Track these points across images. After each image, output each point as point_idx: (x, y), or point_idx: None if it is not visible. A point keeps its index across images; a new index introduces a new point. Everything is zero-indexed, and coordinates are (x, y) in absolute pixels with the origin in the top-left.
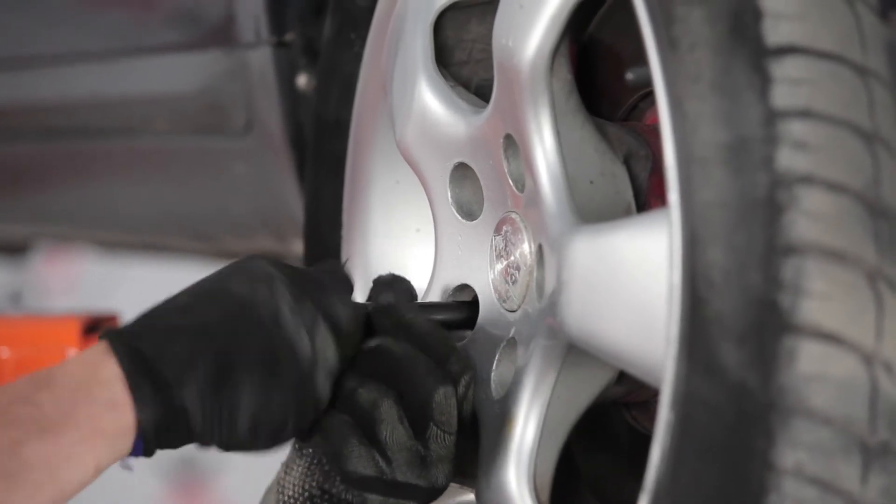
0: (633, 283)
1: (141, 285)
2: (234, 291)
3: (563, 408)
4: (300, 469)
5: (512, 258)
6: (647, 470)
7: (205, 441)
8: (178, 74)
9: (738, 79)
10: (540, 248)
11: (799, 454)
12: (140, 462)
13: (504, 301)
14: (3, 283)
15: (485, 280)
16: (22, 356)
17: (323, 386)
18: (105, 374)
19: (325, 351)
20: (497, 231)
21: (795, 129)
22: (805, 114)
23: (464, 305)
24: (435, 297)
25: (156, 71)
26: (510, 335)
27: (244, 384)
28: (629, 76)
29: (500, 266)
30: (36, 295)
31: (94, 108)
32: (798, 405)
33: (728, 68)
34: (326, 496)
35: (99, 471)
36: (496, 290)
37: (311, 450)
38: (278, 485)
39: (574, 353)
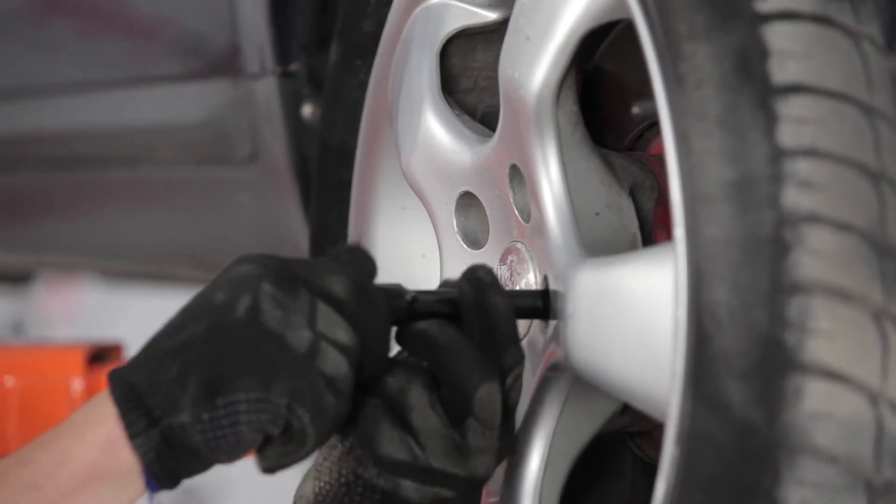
0: (638, 318)
1: (144, 315)
2: (215, 301)
3: (568, 438)
4: (336, 454)
5: (517, 288)
6: None
7: (219, 460)
8: (182, 104)
9: (744, 116)
10: (545, 279)
11: (804, 492)
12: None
13: None
14: (5, 313)
15: None
16: (27, 385)
17: (336, 364)
18: (100, 413)
19: (331, 330)
20: (502, 260)
21: (801, 167)
22: (811, 152)
23: (538, 294)
24: None
25: (160, 101)
26: None
27: (237, 388)
28: (635, 110)
29: None
30: (38, 324)
31: (98, 137)
32: (803, 443)
33: (734, 106)
34: (360, 482)
35: None
36: None
37: (345, 434)
38: (316, 470)
39: (579, 383)
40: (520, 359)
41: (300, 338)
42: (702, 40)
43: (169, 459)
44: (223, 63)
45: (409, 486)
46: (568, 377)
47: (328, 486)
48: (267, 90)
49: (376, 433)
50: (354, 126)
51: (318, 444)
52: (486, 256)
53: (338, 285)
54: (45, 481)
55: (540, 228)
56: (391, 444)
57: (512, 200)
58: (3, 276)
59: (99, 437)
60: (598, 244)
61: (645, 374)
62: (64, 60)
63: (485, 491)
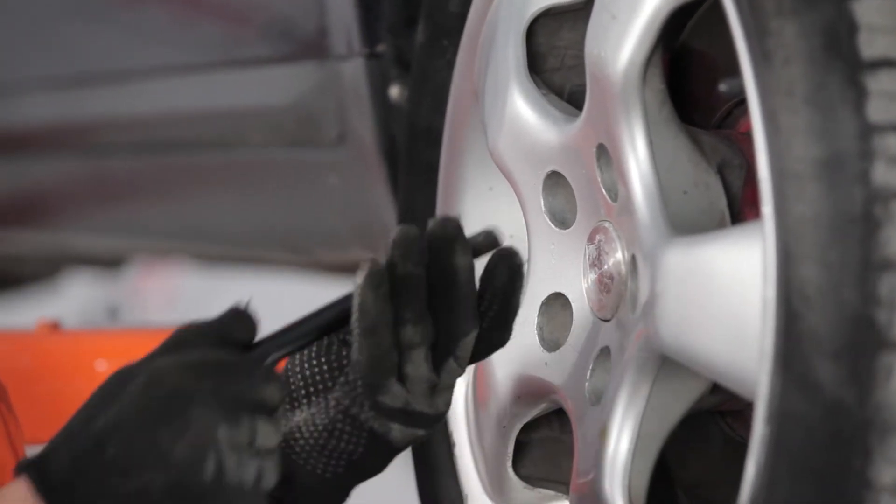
0: (726, 297)
1: (237, 298)
2: (173, 456)
3: (658, 418)
4: (313, 409)
5: (605, 267)
6: (743, 485)
7: None
8: (271, 87)
9: (832, 93)
10: (633, 259)
11: None
12: None
13: (598, 310)
14: (100, 298)
15: (578, 289)
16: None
17: (273, 476)
18: None
19: (267, 441)
20: (590, 240)
21: (891, 143)
22: None
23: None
24: (527, 305)
25: (249, 84)
26: (604, 345)
27: None
28: (723, 87)
29: (593, 275)
30: (133, 309)
31: (189, 121)
32: (895, 422)
33: (823, 82)
34: (349, 420)
35: None
36: (590, 299)
37: (350, 376)
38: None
39: (668, 363)
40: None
41: (249, 472)
42: (790, 16)
43: None
44: (311, 45)
45: (396, 429)
46: (657, 357)
47: (304, 440)
48: (354, 72)
49: (384, 383)
50: (441, 107)
51: None
52: (574, 236)
53: (270, 397)
54: None
55: (627, 207)
56: (391, 395)
57: (599, 179)
58: (98, 261)
59: None
60: (686, 223)
61: (734, 353)
62: (155, 44)
63: (574, 471)
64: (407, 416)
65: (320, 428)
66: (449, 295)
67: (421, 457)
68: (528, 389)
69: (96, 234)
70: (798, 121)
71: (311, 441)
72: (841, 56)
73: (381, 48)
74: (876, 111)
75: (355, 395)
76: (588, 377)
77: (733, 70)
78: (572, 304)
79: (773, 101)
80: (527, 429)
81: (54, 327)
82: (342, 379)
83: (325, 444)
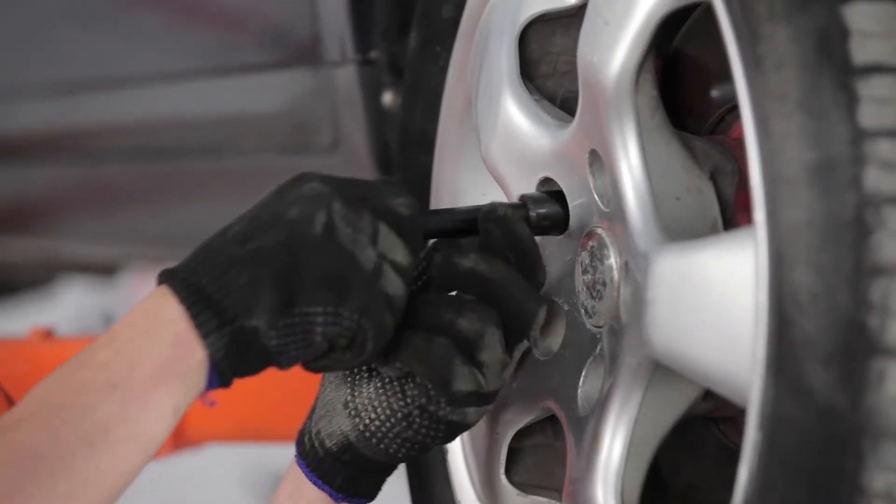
0: (718, 303)
1: None
2: (287, 216)
3: (651, 424)
4: (380, 390)
5: (598, 273)
6: (735, 490)
7: (282, 363)
8: (265, 94)
9: (824, 98)
10: (626, 265)
11: (889, 477)
12: None
13: (590, 316)
14: (94, 305)
15: (571, 295)
16: None
17: (395, 285)
18: (166, 314)
19: (391, 251)
20: (583, 246)
21: (883, 148)
22: (893, 133)
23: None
24: None
25: (243, 90)
26: (596, 351)
27: (315, 301)
28: (715, 93)
29: (586, 281)
30: None
31: (183, 127)
32: (888, 427)
33: (814, 87)
34: (427, 415)
35: (178, 413)
36: (582, 305)
37: (414, 376)
38: (347, 407)
39: (661, 369)
40: (545, 274)
41: (367, 257)
42: (782, 21)
43: (235, 357)
44: (304, 52)
45: (472, 412)
46: (649, 363)
47: (379, 422)
48: (347, 78)
49: (452, 373)
50: (434, 113)
51: (371, 357)
52: (567, 242)
53: (398, 206)
54: (122, 381)
55: (620, 213)
56: (463, 381)
57: (592, 186)
58: (92, 268)
59: (169, 336)
60: (678, 229)
61: (726, 358)
62: (149, 51)
63: (567, 478)
64: (480, 398)
65: (399, 416)
66: (506, 285)
67: (414, 463)
68: (521, 396)
69: (91, 242)
70: (790, 126)
71: (388, 426)
72: (833, 61)
73: (374, 55)
74: (868, 116)
75: (429, 394)
76: (581, 384)
77: (726, 76)
78: (565, 311)
79: (765, 106)
80: (520, 436)
81: (48, 334)
82: (411, 383)
83: (402, 433)
